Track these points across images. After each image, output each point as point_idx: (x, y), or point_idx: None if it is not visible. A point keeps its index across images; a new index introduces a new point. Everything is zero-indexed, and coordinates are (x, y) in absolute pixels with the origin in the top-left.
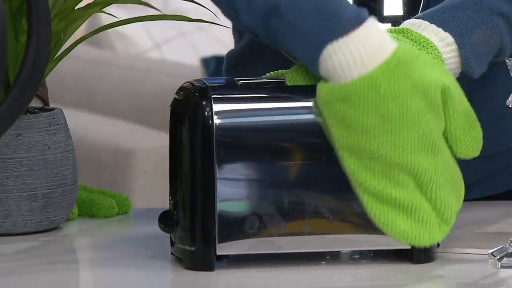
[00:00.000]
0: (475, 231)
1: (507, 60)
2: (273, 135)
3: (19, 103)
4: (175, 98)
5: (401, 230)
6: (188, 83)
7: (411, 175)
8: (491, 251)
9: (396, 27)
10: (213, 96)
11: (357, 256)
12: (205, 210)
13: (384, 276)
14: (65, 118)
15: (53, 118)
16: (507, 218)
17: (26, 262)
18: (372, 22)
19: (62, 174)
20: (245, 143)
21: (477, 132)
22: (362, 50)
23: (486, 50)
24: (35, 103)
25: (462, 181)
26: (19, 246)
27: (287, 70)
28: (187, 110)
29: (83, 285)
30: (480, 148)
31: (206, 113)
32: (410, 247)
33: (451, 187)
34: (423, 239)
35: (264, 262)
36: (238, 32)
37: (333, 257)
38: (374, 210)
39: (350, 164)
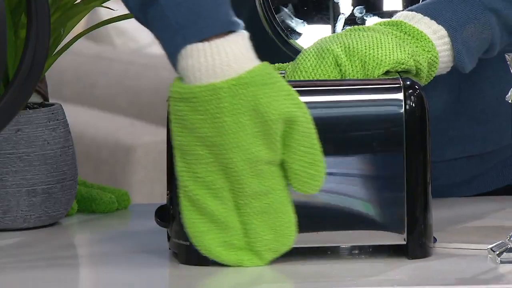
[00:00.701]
0: (474, 226)
1: (506, 56)
2: None
3: (18, 98)
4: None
5: (208, 245)
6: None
7: (231, 193)
8: (490, 246)
9: (389, 19)
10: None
11: (356, 252)
12: None
13: (383, 271)
14: (64, 114)
15: (52, 113)
16: (507, 213)
17: (26, 258)
18: (242, 35)
19: (61, 170)
20: None
21: (318, 171)
22: (217, 60)
23: (477, 45)
24: (34, 98)
25: (291, 224)
26: (19, 241)
27: (285, 64)
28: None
29: (82, 280)
30: (318, 188)
31: None
32: (404, 243)
33: (272, 220)
34: (229, 260)
35: None
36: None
37: (332, 252)
38: (189, 218)
39: (179, 165)
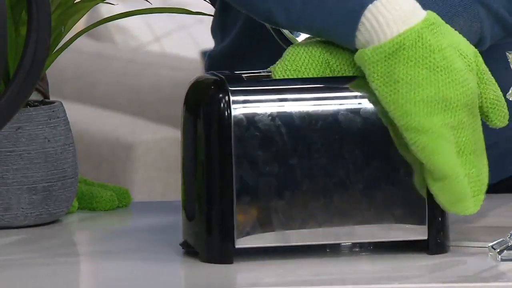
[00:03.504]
0: (475, 224)
1: (507, 53)
2: (291, 127)
3: (19, 96)
4: (189, 92)
5: (446, 196)
6: (201, 76)
7: (453, 130)
8: (491, 244)
9: None
10: (229, 88)
11: (357, 249)
12: (222, 203)
13: (385, 269)
14: (65, 111)
15: (53, 111)
16: (507, 211)
17: (26, 255)
18: None
19: (62, 167)
20: (261, 135)
21: (504, 103)
22: (403, 8)
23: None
24: (35, 96)
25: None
26: (19, 239)
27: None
28: (204, 103)
29: (83, 278)
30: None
31: (223, 105)
32: (407, 239)
33: (483, 156)
34: (469, 210)
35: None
36: (220, 33)
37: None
38: (421, 144)
39: (401, 122)
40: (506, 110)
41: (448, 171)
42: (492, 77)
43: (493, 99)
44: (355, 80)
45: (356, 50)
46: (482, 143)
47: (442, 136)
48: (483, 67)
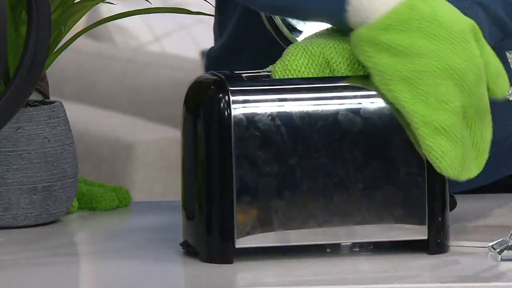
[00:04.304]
0: (475, 224)
1: (507, 53)
2: (291, 127)
3: (19, 96)
4: (189, 92)
5: (448, 163)
6: (201, 76)
7: (459, 98)
8: (491, 244)
9: None
10: (229, 88)
11: (357, 249)
12: (222, 203)
13: (385, 269)
14: (65, 111)
15: (53, 111)
16: (507, 211)
17: (26, 255)
18: None
19: (62, 167)
20: (261, 135)
21: (505, 75)
22: None
23: None
24: (35, 96)
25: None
26: (19, 239)
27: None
28: (204, 103)
29: (84, 278)
30: (509, 88)
31: (223, 104)
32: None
33: (488, 121)
34: (466, 174)
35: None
36: (218, 30)
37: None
38: (433, 141)
39: (403, 97)
40: (507, 82)
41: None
42: (490, 48)
43: (493, 71)
44: (354, 78)
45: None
46: (487, 107)
47: (444, 134)
48: (482, 39)
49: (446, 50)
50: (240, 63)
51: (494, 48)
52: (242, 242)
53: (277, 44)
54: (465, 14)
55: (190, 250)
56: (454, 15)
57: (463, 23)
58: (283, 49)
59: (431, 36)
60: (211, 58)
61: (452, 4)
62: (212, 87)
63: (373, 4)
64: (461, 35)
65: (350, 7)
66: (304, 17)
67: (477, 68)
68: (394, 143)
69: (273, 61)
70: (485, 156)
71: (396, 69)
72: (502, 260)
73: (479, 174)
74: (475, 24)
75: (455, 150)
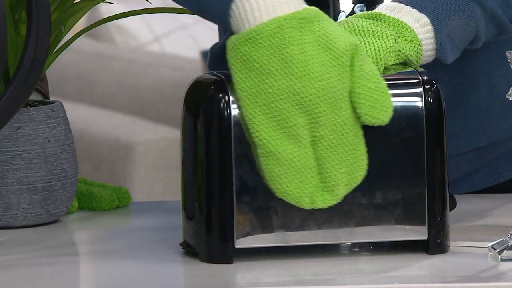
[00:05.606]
0: (475, 224)
1: (507, 53)
2: None
3: (19, 96)
4: (189, 92)
5: (284, 188)
6: (201, 76)
7: (307, 126)
8: (491, 244)
9: (368, 11)
10: (229, 88)
11: (357, 249)
12: (222, 203)
13: (385, 268)
14: (65, 111)
15: (53, 111)
16: (507, 211)
17: (26, 255)
18: None
19: (62, 167)
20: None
21: (385, 97)
22: None
23: (461, 37)
24: (34, 97)
25: (364, 157)
26: (19, 239)
27: None
28: (204, 103)
29: (83, 278)
30: (388, 116)
31: (223, 105)
32: (407, 239)
33: (346, 152)
34: (303, 201)
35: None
36: (221, 27)
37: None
38: (265, 163)
39: (249, 113)
40: (384, 107)
41: (285, 195)
42: (373, 71)
43: (364, 94)
44: None
45: None
46: (351, 139)
47: (283, 159)
48: (361, 62)
49: (298, 75)
50: None
51: (494, 47)
52: (242, 242)
53: None
54: (463, 11)
55: (190, 250)
56: (324, 39)
57: (337, 51)
58: None
59: (287, 59)
60: (214, 54)
61: (450, 2)
62: (212, 87)
63: (247, 16)
64: (320, 65)
65: (233, 13)
66: (204, 17)
67: (332, 97)
68: (394, 143)
69: None
70: (337, 192)
71: (246, 84)
72: (502, 260)
73: (479, 178)
74: (358, 47)
75: (287, 175)
